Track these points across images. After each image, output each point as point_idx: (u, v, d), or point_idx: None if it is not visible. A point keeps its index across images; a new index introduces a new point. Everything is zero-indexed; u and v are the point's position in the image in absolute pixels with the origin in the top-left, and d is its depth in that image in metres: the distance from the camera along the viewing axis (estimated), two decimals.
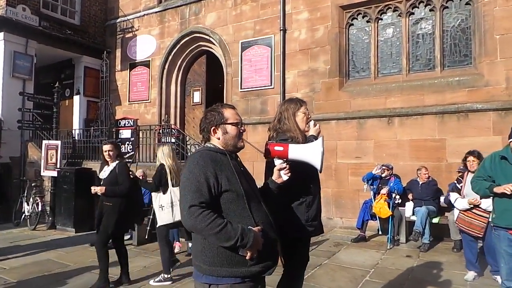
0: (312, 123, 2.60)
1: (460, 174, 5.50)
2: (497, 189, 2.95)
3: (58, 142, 8.13)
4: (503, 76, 6.11)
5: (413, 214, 5.91)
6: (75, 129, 9.76)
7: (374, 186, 6.27)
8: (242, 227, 1.74)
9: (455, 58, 6.78)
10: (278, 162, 2.17)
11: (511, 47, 6.04)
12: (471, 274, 4.30)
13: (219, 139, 1.95)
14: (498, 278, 4.08)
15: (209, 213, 1.72)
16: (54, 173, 7.91)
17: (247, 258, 1.75)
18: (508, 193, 2.84)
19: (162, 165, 4.55)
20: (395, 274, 4.56)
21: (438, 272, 4.63)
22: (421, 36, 7.08)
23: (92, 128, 9.13)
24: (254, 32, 8.53)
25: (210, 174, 1.78)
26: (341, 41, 7.59)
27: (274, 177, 2.17)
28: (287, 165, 2.16)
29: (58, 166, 7.92)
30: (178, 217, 4.32)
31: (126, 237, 6.67)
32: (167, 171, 4.51)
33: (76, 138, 9.32)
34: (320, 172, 2.24)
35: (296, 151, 2.16)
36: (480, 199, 3.95)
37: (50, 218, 7.85)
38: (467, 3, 6.68)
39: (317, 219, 2.62)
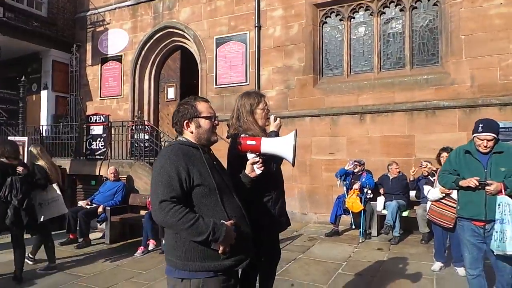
0: (272, 118, 2.57)
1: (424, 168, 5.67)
2: (462, 183, 3.09)
3: (25, 139, 7.76)
4: (468, 75, 6.38)
5: (384, 208, 6.09)
6: (43, 125, 9.38)
7: (347, 182, 6.40)
8: (213, 221, 1.74)
9: (424, 57, 7.02)
10: (250, 156, 2.18)
11: (475, 47, 6.31)
12: (437, 265, 4.50)
13: (192, 132, 1.94)
14: (459, 270, 4.30)
15: (180, 207, 1.71)
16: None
17: (219, 252, 1.76)
18: (473, 186, 2.97)
19: (36, 164, 4.73)
20: (367, 266, 4.70)
21: (408, 263, 4.80)
22: (392, 35, 7.28)
23: (61, 124, 8.80)
24: (229, 28, 8.48)
25: (182, 169, 1.77)
26: (315, 39, 7.68)
27: (247, 171, 2.17)
28: (260, 159, 2.17)
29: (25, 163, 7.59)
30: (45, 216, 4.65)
31: (99, 235, 6.55)
32: (45, 169, 4.70)
33: (44, 134, 8.96)
34: (293, 165, 2.26)
35: (269, 145, 2.17)
36: None
37: None
38: (434, 4, 6.92)
39: (284, 214, 2.67)
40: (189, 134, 1.95)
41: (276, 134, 2.54)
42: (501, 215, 2.83)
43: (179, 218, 1.69)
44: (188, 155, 1.84)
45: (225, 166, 2.25)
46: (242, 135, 2.36)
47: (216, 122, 2.02)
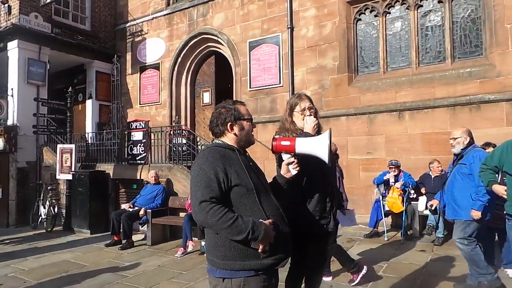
0: (306, 119, 2.51)
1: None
2: (495, 188, 2.97)
3: (72, 146, 8.29)
4: None
5: (426, 208, 5.84)
6: (88, 133, 9.93)
7: (384, 191, 6.21)
8: (253, 220, 1.76)
9: (466, 49, 6.68)
10: (286, 157, 2.18)
11: None
12: None
13: (236, 135, 1.98)
14: (509, 271, 4.03)
15: (219, 207, 1.75)
16: (69, 176, 8.07)
17: (259, 251, 1.77)
18: (504, 197, 2.91)
19: None
20: (410, 269, 4.53)
21: (453, 265, 4.57)
22: (430, 28, 6.99)
23: (104, 131, 9.27)
24: (261, 31, 8.54)
25: (220, 170, 1.81)
26: (349, 37, 7.54)
27: (282, 172, 2.17)
28: (295, 159, 2.16)
29: (73, 169, 8.09)
30: None
31: (141, 237, 6.81)
32: None
33: (89, 141, 9.48)
34: (329, 165, 2.24)
35: (303, 145, 2.15)
36: None
37: (66, 221, 8.01)
38: None
39: (324, 216, 2.60)
40: (232, 136, 1.99)
41: (310, 135, 2.52)
42: None
43: (219, 218, 1.73)
44: (225, 156, 1.88)
45: (262, 168, 2.27)
46: (276, 136, 2.37)
47: (253, 124, 2.07)
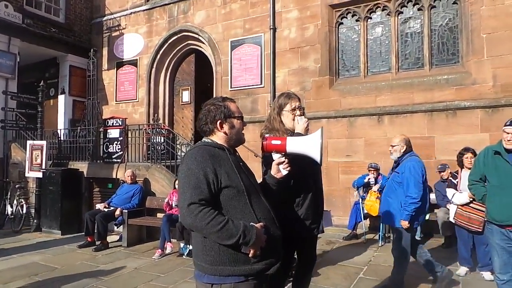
0: (297, 119, 2.47)
1: (442, 173, 5.65)
2: None
3: (44, 142, 7.92)
4: (490, 74, 6.22)
5: None
6: (60, 129, 9.52)
7: (364, 194, 6.30)
8: (244, 224, 1.69)
9: (443, 56, 6.88)
10: (276, 157, 2.11)
11: (497, 46, 6.15)
12: (463, 269, 4.36)
13: (225, 133, 1.90)
14: (485, 274, 4.17)
15: (209, 210, 1.67)
16: (39, 174, 7.69)
17: (250, 255, 1.71)
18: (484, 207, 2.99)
19: None
20: (389, 271, 4.54)
21: None
22: (410, 35, 7.16)
23: (78, 128, 8.92)
24: (243, 31, 8.48)
25: (209, 170, 1.73)
26: (331, 40, 7.61)
27: (273, 172, 2.10)
28: (286, 159, 2.11)
29: (43, 167, 7.72)
30: None
31: (116, 238, 6.58)
32: None
33: (62, 138, 9.09)
34: (320, 164, 2.19)
35: (294, 144, 2.09)
36: None
37: (35, 221, 7.64)
38: (454, 2, 6.78)
39: (311, 218, 2.58)
40: (221, 135, 1.90)
41: (301, 136, 2.48)
42: None
43: (209, 221, 1.65)
44: (215, 156, 1.80)
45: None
46: (266, 135, 2.31)
47: (244, 122, 1.99)
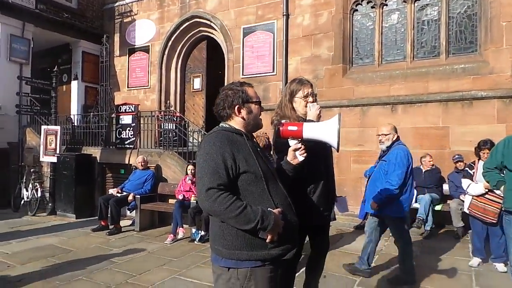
0: (309, 106, 2.44)
1: (459, 163, 5.58)
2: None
3: (58, 128, 8.03)
4: (508, 64, 6.06)
5: (416, 201, 5.92)
6: (74, 115, 9.62)
7: None
8: (262, 209, 1.70)
9: (461, 45, 6.72)
10: (292, 143, 2.10)
11: None
12: (475, 260, 4.34)
13: (243, 118, 1.89)
14: (498, 265, 4.14)
15: (228, 195, 1.68)
16: (54, 159, 7.82)
17: (267, 241, 1.72)
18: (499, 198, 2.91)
19: None
20: None
21: (442, 259, 4.66)
22: (427, 22, 6.99)
23: (91, 113, 9.00)
24: (256, 18, 8.38)
25: (228, 155, 1.73)
26: (345, 27, 7.48)
27: (289, 158, 2.10)
28: (302, 145, 2.09)
29: (57, 151, 7.84)
30: None
31: (128, 222, 6.69)
32: None
33: (76, 123, 9.20)
34: (337, 151, 2.17)
35: (311, 130, 2.08)
36: None
37: (50, 204, 7.79)
38: None
39: (324, 206, 2.57)
40: (239, 120, 1.90)
41: (313, 122, 2.45)
42: None
43: (227, 206, 1.66)
44: (233, 141, 1.79)
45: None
46: (283, 121, 2.30)
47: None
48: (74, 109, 10.35)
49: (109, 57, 10.24)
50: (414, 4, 7.07)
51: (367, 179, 6.32)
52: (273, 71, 8.12)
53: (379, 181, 3.77)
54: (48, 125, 8.32)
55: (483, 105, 6.17)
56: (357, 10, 7.55)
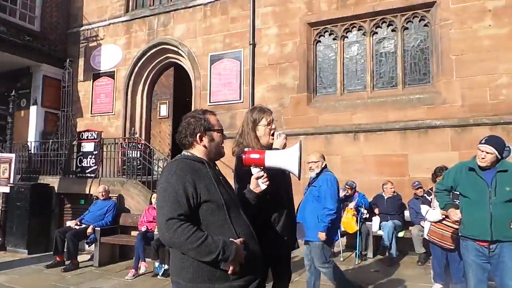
0: (276, 134, 2.48)
1: (417, 190, 5.81)
2: (450, 212, 3.22)
3: (13, 155, 7.59)
4: (459, 94, 6.48)
5: (380, 228, 6.04)
6: (31, 142, 9.18)
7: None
8: (223, 239, 1.67)
9: (415, 76, 7.13)
10: (255, 171, 2.11)
11: (466, 67, 6.43)
12: (437, 286, 4.43)
13: (205, 146, 1.89)
14: None
15: (188, 226, 1.65)
16: (7, 189, 7.33)
17: (229, 272, 1.68)
18: (456, 220, 3.17)
19: None
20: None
21: (406, 285, 4.73)
22: (384, 54, 7.39)
23: (51, 140, 8.62)
24: (223, 45, 8.52)
25: (189, 184, 1.71)
26: (309, 57, 7.75)
27: (252, 187, 2.09)
28: (265, 174, 2.09)
29: (11, 181, 7.38)
30: None
31: (87, 257, 6.34)
32: None
33: (33, 151, 8.76)
34: (299, 179, 2.19)
35: (273, 158, 2.10)
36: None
37: (0, 238, 7.25)
38: (425, 25, 7.07)
39: (287, 234, 2.57)
40: (201, 148, 1.89)
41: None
42: None
43: (187, 237, 1.63)
44: (194, 170, 1.78)
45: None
46: (246, 149, 2.30)
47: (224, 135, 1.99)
48: (32, 136, 9.85)
49: (72, 82, 9.95)
50: (372, 37, 7.47)
51: None
52: (240, 98, 8.20)
53: (309, 206, 3.88)
54: (2, 152, 7.87)
55: (438, 134, 6.51)
56: (320, 41, 7.87)
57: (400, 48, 7.22)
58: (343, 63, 7.67)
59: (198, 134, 1.87)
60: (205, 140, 1.88)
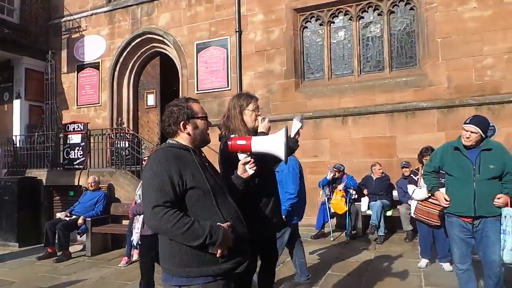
0: (260, 119, 2.52)
1: (405, 169, 5.90)
2: (437, 195, 3.28)
3: None
4: (444, 77, 6.59)
5: (369, 208, 6.15)
6: (16, 135, 9.00)
7: (328, 192, 6.43)
8: (210, 224, 1.69)
9: (402, 59, 7.21)
10: (242, 157, 2.13)
11: (451, 50, 6.53)
12: (423, 262, 4.57)
13: (189, 134, 1.89)
14: (445, 265, 4.39)
15: (174, 212, 1.66)
16: None
17: (217, 256, 1.70)
18: (445, 206, 3.17)
19: None
20: (355, 266, 4.72)
21: (394, 261, 4.85)
22: (371, 39, 7.44)
23: (36, 133, 8.46)
24: (209, 34, 8.44)
25: (174, 172, 1.72)
26: (295, 43, 7.75)
27: (239, 172, 2.12)
28: (252, 159, 2.12)
29: None
30: None
31: (79, 248, 6.30)
32: None
33: (18, 145, 8.60)
34: (286, 163, 2.23)
35: (260, 144, 2.12)
36: None
37: None
38: (411, 9, 7.13)
39: (276, 216, 2.62)
40: (185, 136, 1.89)
41: (265, 135, 2.51)
42: (505, 226, 2.94)
43: (174, 223, 1.64)
44: (179, 158, 1.79)
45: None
46: (232, 135, 2.33)
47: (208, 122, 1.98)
48: (17, 129, 9.65)
49: (55, 74, 9.72)
50: (358, 22, 7.50)
51: (321, 188, 6.50)
52: (228, 86, 8.18)
53: None
54: None
55: (425, 115, 6.62)
56: (306, 27, 7.87)
57: (386, 32, 7.28)
58: (330, 48, 7.69)
59: (182, 122, 1.87)
60: (189, 127, 1.88)
